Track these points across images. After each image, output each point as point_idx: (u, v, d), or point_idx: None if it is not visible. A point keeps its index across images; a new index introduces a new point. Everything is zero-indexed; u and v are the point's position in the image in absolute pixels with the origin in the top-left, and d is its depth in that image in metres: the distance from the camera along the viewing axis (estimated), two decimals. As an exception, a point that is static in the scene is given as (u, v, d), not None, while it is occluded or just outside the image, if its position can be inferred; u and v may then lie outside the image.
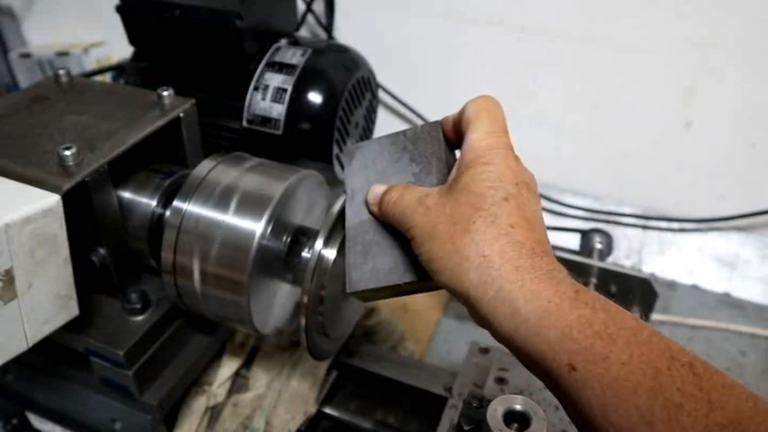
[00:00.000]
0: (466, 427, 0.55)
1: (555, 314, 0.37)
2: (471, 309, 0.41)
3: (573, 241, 1.03)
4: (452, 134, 0.50)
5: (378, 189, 0.50)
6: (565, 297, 0.37)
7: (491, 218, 0.41)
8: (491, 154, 0.44)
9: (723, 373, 0.34)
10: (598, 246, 0.97)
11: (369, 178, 0.52)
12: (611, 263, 0.92)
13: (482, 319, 0.41)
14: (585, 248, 0.98)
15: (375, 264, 0.49)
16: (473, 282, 0.40)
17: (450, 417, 0.65)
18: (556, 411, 0.60)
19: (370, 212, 0.51)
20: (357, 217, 0.51)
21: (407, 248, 0.46)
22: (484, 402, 0.56)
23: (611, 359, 0.35)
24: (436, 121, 0.51)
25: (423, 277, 0.46)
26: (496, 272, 0.39)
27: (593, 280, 0.83)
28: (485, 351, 0.71)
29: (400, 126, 1.28)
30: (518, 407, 0.48)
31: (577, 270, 0.81)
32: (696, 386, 0.33)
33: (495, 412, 0.48)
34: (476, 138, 0.45)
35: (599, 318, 0.36)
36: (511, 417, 0.48)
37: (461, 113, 0.48)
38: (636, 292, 0.81)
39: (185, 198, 0.61)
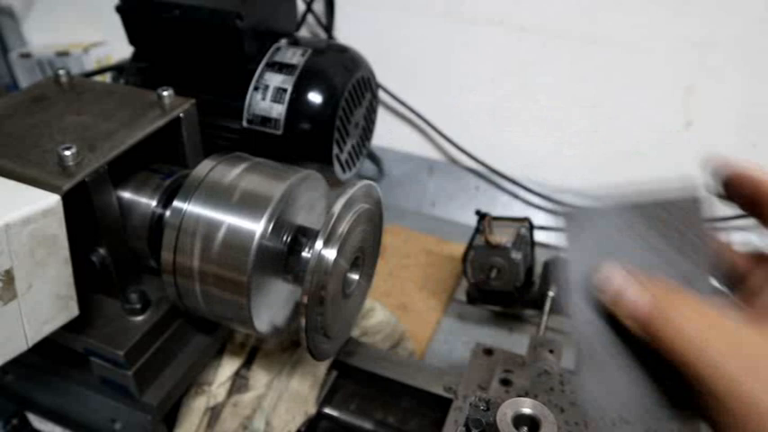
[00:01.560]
0: (474, 431, 0.54)
1: None
2: None
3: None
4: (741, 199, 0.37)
5: (640, 299, 0.33)
6: None
7: None
8: None
9: None
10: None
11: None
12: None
13: None
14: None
15: (616, 389, 0.37)
16: None
17: (454, 418, 0.65)
18: (561, 414, 0.60)
19: (607, 314, 0.36)
20: (584, 315, 0.37)
21: (666, 374, 0.34)
22: (491, 405, 0.55)
23: None
24: (697, 194, 0.38)
25: (682, 413, 0.35)
26: None
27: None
28: (488, 352, 0.71)
29: (400, 126, 1.28)
30: (527, 410, 0.48)
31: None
32: None
33: (504, 416, 0.48)
34: None
35: None
36: (520, 420, 0.48)
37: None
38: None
39: (185, 198, 0.61)
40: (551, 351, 0.71)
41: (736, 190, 0.37)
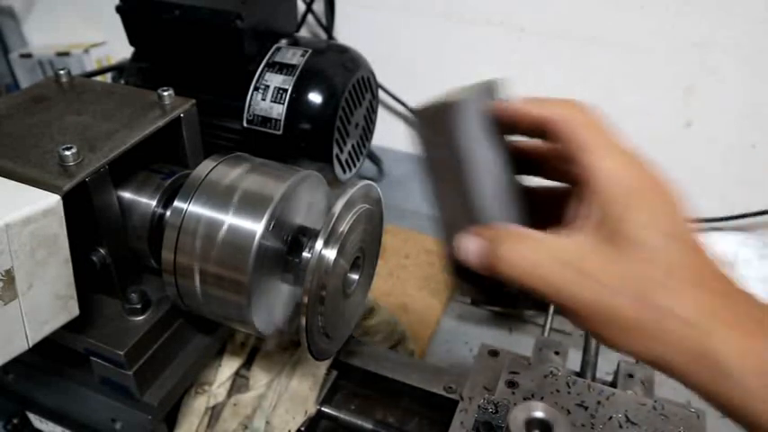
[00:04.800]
0: None
1: None
2: (673, 376, 0.36)
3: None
4: (511, 127, 0.41)
5: (473, 245, 0.39)
6: None
7: (679, 272, 0.34)
8: (639, 185, 0.36)
9: None
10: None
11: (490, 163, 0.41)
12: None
13: (691, 388, 0.35)
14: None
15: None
16: (676, 352, 0.34)
17: (460, 420, 0.64)
18: (568, 415, 0.60)
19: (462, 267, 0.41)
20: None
21: None
22: (499, 408, 0.55)
23: None
24: (493, 82, 0.42)
25: None
26: (700, 335, 0.33)
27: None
28: (494, 354, 0.71)
29: (400, 126, 1.28)
30: (540, 414, 0.48)
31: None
32: None
33: (515, 419, 0.48)
34: (605, 162, 0.36)
35: None
36: (532, 424, 0.48)
37: (545, 121, 0.39)
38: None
39: (186, 198, 0.61)
40: (557, 353, 0.71)
41: (515, 126, 0.41)
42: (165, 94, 0.66)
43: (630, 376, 0.70)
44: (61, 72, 0.72)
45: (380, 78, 0.94)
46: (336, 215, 0.57)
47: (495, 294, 0.44)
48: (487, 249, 0.38)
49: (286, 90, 0.80)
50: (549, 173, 0.44)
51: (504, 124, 0.41)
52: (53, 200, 0.52)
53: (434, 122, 0.41)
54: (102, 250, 0.62)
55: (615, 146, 0.38)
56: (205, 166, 0.64)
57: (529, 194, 0.44)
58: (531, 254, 0.37)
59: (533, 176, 0.45)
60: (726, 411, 0.34)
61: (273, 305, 0.65)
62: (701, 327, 0.33)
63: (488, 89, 0.42)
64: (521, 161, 0.43)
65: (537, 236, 0.38)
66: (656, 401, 0.61)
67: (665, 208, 0.36)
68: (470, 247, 0.39)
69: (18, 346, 0.52)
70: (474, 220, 0.40)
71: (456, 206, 0.41)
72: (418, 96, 1.26)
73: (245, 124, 0.82)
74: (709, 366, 0.33)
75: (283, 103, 0.80)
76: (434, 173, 0.42)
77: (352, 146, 0.88)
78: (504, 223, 0.40)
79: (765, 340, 0.33)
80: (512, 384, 0.63)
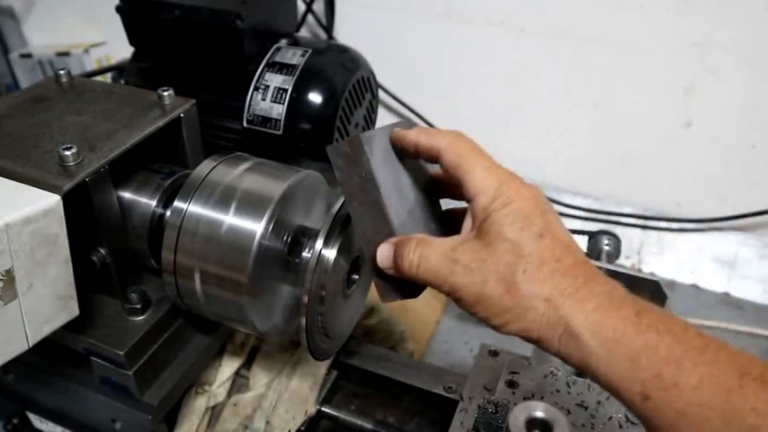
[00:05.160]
0: None
1: (622, 343, 0.38)
2: (543, 348, 0.43)
3: (580, 243, 1.03)
4: (412, 155, 0.49)
5: (386, 251, 0.47)
6: (629, 322, 0.39)
7: (537, 261, 0.42)
8: (505, 192, 0.43)
9: None
10: (606, 248, 0.97)
11: (392, 187, 0.50)
12: (618, 265, 0.91)
13: (555, 355, 0.42)
14: (594, 251, 0.97)
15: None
16: (542, 327, 0.41)
17: (460, 420, 0.64)
18: (568, 415, 0.59)
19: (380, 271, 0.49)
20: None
21: None
22: (499, 408, 0.55)
23: (680, 385, 0.35)
24: (411, 122, 0.51)
25: None
26: (560, 311, 0.40)
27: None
28: (494, 354, 0.71)
29: (400, 126, 1.28)
30: (540, 414, 0.48)
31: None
32: None
33: (516, 419, 0.48)
34: (479, 178, 0.44)
35: (664, 341, 0.37)
36: (533, 424, 0.48)
37: (434, 149, 0.47)
38: (644, 295, 0.81)
39: (186, 198, 0.61)
40: (557, 352, 0.71)
41: (415, 154, 0.49)
42: (165, 94, 0.66)
43: (630, 376, 0.69)
44: (61, 72, 0.72)
45: (380, 78, 0.94)
46: (336, 215, 0.57)
47: (411, 292, 0.50)
48: (394, 254, 0.47)
49: (286, 90, 0.80)
50: (455, 195, 0.51)
51: (406, 152, 0.49)
52: (53, 200, 0.52)
53: (347, 155, 0.48)
54: (102, 250, 0.62)
55: (488, 166, 0.45)
56: (205, 166, 0.64)
57: (448, 214, 0.53)
58: (424, 253, 0.45)
59: (447, 198, 0.53)
60: (578, 368, 0.41)
61: (273, 305, 0.65)
62: (560, 305, 0.40)
63: (399, 126, 0.49)
64: (435, 186, 0.53)
65: (432, 240, 0.46)
66: (655, 401, 0.61)
67: (533, 212, 0.43)
68: (382, 254, 0.47)
69: (18, 346, 0.52)
70: (389, 234, 0.48)
71: (374, 223, 0.48)
72: (418, 96, 1.26)
73: (245, 124, 0.82)
74: (565, 334, 0.40)
75: (283, 103, 0.80)
76: (353, 198, 0.48)
77: (352, 146, 0.88)
78: (413, 234, 0.48)
79: (609, 311, 0.39)
80: (512, 384, 0.64)
